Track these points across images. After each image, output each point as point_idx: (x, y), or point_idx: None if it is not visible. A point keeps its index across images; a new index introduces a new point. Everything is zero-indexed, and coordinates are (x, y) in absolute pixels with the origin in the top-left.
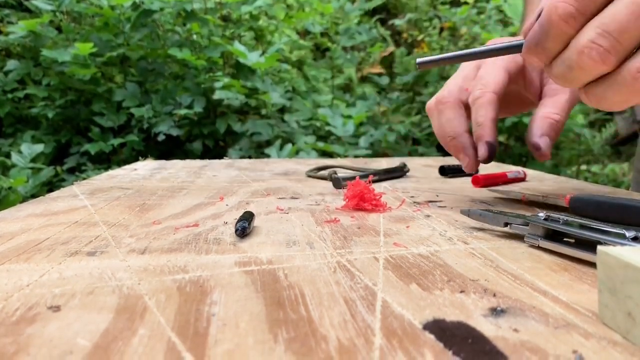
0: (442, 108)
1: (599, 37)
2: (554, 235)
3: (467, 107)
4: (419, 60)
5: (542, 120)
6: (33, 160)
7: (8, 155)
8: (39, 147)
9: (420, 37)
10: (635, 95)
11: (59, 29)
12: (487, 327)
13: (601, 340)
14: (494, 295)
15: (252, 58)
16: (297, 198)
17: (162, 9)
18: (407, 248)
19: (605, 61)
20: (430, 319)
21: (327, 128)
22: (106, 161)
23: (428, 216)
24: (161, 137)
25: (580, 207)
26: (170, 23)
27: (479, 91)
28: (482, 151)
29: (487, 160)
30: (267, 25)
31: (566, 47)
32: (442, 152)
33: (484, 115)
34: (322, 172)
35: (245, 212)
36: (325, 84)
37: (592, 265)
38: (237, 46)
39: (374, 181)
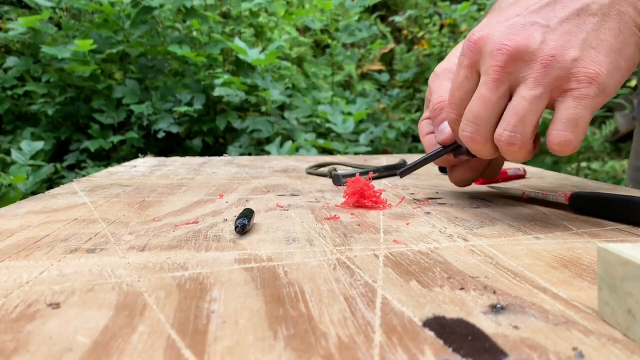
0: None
1: (466, 126)
2: None
3: None
4: (399, 171)
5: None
6: (33, 157)
7: (8, 152)
8: (39, 144)
9: (420, 34)
10: (508, 154)
11: (58, 26)
12: (487, 324)
13: (601, 337)
14: (494, 292)
15: (252, 55)
16: (296, 195)
17: (162, 6)
18: (407, 245)
19: (474, 140)
20: (430, 315)
21: (327, 125)
22: (106, 158)
23: (428, 213)
24: (161, 134)
25: (580, 204)
26: (170, 20)
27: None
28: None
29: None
30: (267, 22)
31: None
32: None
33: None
34: (322, 169)
35: (245, 209)
36: (325, 80)
37: (593, 262)
38: (238, 43)
39: (374, 178)
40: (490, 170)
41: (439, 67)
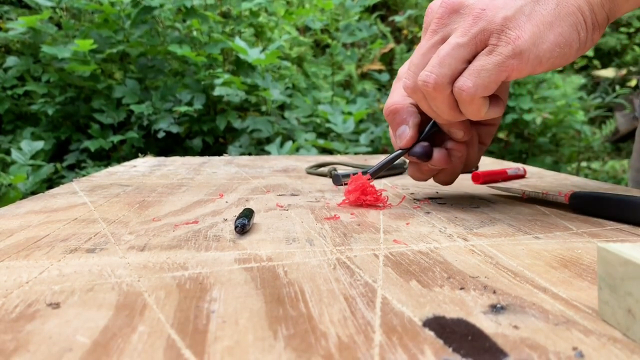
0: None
1: (404, 76)
2: None
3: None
4: (369, 171)
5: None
6: (33, 157)
7: (8, 152)
8: (39, 144)
9: (420, 34)
10: (430, 99)
11: (58, 26)
12: (487, 324)
13: (601, 337)
14: (494, 292)
15: (253, 55)
16: (296, 195)
17: (162, 5)
18: (407, 245)
19: (406, 85)
20: (430, 315)
21: (327, 125)
22: (106, 158)
23: (428, 213)
24: (161, 134)
25: (580, 204)
26: (170, 19)
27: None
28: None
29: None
30: (267, 22)
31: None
32: None
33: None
34: (322, 169)
35: (245, 209)
36: (325, 80)
37: (593, 262)
38: (238, 42)
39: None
40: (444, 174)
41: (401, 70)
